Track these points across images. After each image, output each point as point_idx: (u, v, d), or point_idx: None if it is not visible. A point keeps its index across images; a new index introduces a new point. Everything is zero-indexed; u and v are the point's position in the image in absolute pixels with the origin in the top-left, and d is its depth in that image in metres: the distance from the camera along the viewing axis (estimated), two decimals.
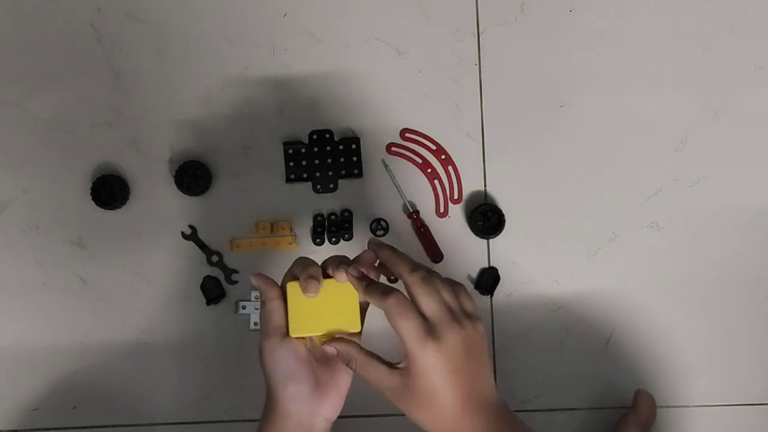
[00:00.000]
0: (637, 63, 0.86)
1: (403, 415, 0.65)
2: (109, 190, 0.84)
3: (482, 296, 0.84)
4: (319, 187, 0.85)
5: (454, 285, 0.66)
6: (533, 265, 0.85)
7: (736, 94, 0.85)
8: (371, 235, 0.84)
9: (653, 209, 0.85)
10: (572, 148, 0.85)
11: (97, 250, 0.85)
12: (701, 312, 0.84)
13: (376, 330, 0.71)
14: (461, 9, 0.86)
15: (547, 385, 0.84)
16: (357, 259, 0.68)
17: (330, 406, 0.67)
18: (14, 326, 0.85)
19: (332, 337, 0.67)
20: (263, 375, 0.68)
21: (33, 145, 0.86)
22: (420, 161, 0.85)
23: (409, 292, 0.63)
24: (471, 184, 0.85)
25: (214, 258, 0.85)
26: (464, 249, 0.85)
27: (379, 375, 0.64)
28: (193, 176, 0.84)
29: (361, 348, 0.66)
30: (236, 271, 0.85)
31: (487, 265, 0.85)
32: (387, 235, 0.84)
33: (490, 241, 0.85)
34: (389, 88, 0.86)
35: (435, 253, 0.84)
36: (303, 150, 0.85)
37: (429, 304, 0.62)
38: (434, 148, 0.85)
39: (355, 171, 0.85)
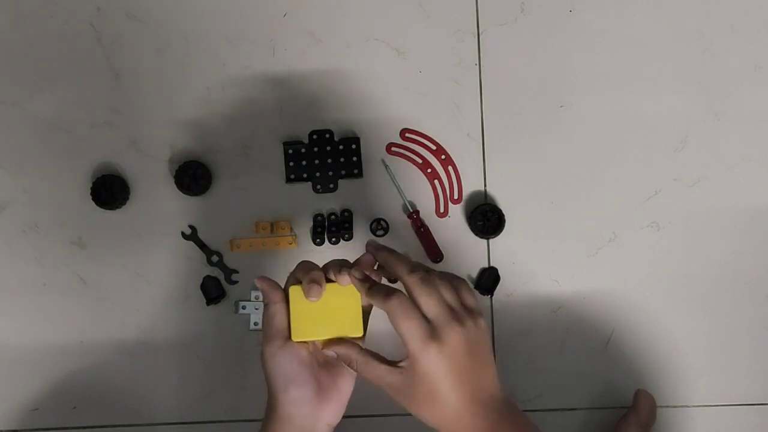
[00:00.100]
0: (637, 63, 0.86)
1: (404, 415, 0.64)
2: (109, 190, 0.84)
3: (482, 296, 0.84)
4: (319, 187, 0.85)
5: (453, 280, 0.65)
6: (533, 265, 0.85)
7: (736, 94, 0.85)
8: (371, 235, 0.84)
9: (653, 209, 0.85)
10: (572, 148, 0.85)
11: (97, 250, 0.85)
12: (701, 312, 0.84)
13: (377, 330, 0.71)
14: (461, 9, 0.86)
15: (547, 385, 0.84)
16: (356, 263, 0.68)
17: (331, 411, 0.67)
18: (14, 326, 0.85)
19: (333, 339, 0.67)
20: (264, 378, 0.68)
21: (33, 145, 0.86)
22: (420, 161, 0.85)
23: (409, 294, 0.63)
24: (471, 184, 0.85)
25: (214, 258, 0.85)
26: (464, 249, 0.85)
27: (380, 374, 0.64)
28: (193, 176, 0.84)
29: (361, 349, 0.66)
30: (236, 271, 0.85)
31: (487, 265, 0.85)
32: (387, 235, 0.84)
33: (490, 241, 0.85)
34: (389, 88, 0.86)
35: (435, 253, 0.84)
36: (303, 150, 0.85)
37: (429, 304, 0.62)
38: (434, 148, 0.85)
39: (355, 171, 0.85)
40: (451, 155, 0.85)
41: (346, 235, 0.84)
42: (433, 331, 0.61)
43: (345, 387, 0.68)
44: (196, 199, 0.85)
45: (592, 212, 0.85)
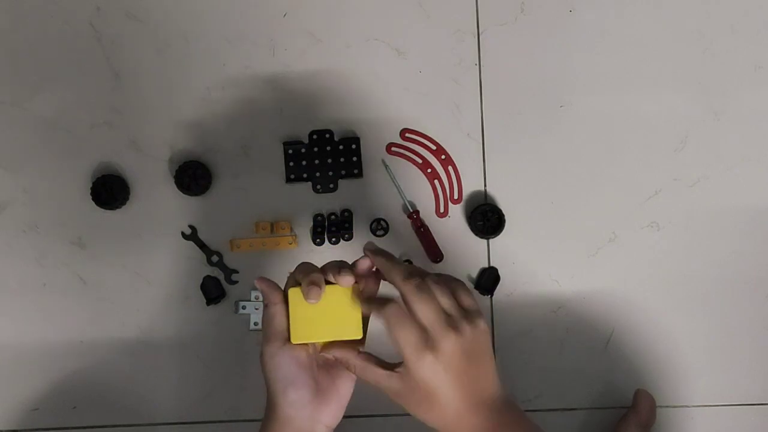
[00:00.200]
0: (637, 63, 0.86)
1: (404, 415, 0.64)
2: (109, 190, 0.84)
3: (482, 296, 0.84)
4: (319, 187, 0.85)
5: (450, 282, 0.65)
6: (533, 265, 0.85)
7: (736, 94, 0.85)
8: (371, 235, 0.84)
9: (653, 209, 0.85)
10: (572, 148, 0.85)
11: (97, 250, 0.85)
12: (701, 312, 0.84)
13: (378, 331, 0.71)
14: (461, 9, 0.86)
15: (547, 385, 0.84)
16: (354, 265, 0.68)
17: (330, 413, 0.67)
18: (14, 326, 0.85)
19: (332, 342, 0.67)
20: (264, 379, 0.68)
21: (33, 145, 0.86)
22: (420, 161, 0.85)
23: (404, 301, 0.63)
24: (471, 184, 0.85)
25: (214, 258, 0.85)
26: (464, 249, 0.85)
27: (378, 378, 0.64)
28: (193, 176, 0.84)
29: (360, 352, 0.66)
30: (236, 271, 0.85)
31: (487, 265, 0.85)
32: (387, 235, 0.84)
33: (490, 241, 0.85)
34: (389, 88, 0.86)
35: (435, 253, 0.84)
36: (303, 150, 0.85)
37: (424, 312, 0.61)
38: (434, 148, 0.85)
39: (355, 171, 0.85)
40: (451, 155, 0.85)
41: (346, 235, 0.84)
42: (428, 340, 0.61)
43: (344, 389, 0.68)
44: (196, 199, 0.85)
45: (592, 212, 0.85)
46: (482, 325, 0.63)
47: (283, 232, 0.85)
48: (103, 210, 0.85)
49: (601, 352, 0.84)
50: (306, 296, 0.65)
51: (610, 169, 0.85)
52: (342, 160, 0.85)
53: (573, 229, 0.85)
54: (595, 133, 0.85)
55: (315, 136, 0.85)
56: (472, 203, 0.85)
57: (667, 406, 0.83)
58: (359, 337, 0.66)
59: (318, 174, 0.85)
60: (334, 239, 0.84)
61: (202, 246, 0.85)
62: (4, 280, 0.85)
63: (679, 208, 0.85)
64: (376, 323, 0.68)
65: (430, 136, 0.85)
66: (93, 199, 0.84)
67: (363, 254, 0.68)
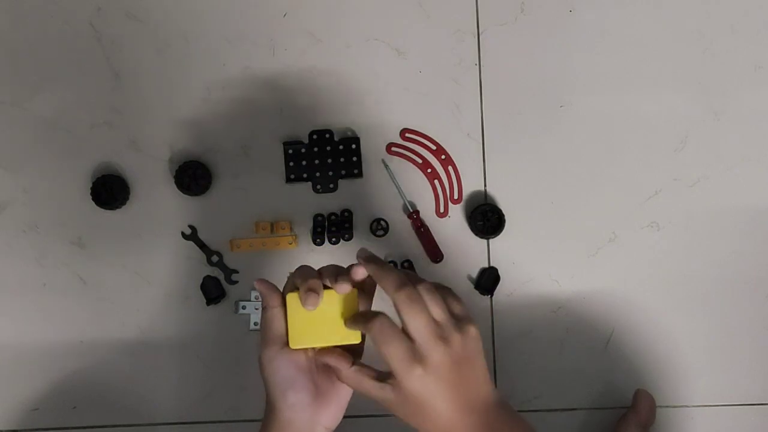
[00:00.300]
0: (637, 63, 0.86)
1: None
2: (109, 190, 0.84)
3: (482, 296, 0.84)
4: (319, 187, 0.85)
5: (440, 289, 0.64)
6: (533, 265, 0.85)
7: (736, 94, 0.85)
8: (371, 235, 0.84)
9: (653, 209, 0.85)
10: (572, 148, 0.85)
11: (97, 250, 0.85)
12: (701, 312, 0.84)
13: None
14: (461, 9, 0.86)
15: (547, 385, 0.84)
16: (348, 270, 0.67)
17: (330, 415, 0.67)
18: (14, 326, 0.85)
19: (327, 349, 0.67)
20: (263, 382, 0.67)
21: (33, 145, 0.86)
22: (420, 161, 0.85)
23: (396, 311, 0.63)
24: (471, 184, 0.85)
25: (214, 258, 0.85)
26: (464, 249, 0.85)
27: (370, 390, 0.64)
28: (193, 176, 0.84)
29: (353, 362, 0.65)
30: (236, 271, 0.85)
31: (487, 265, 0.85)
32: (387, 235, 0.84)
33: (490, 241, 0.85)
34: (389, 88, 0.86)
35: (435, 253, 0.84)
36: (303, 150, 0.85)
37: (414, 324, 0.61)
38: (434, 148, 0.85)
39: (355, 171, 0.85)
40: (451, 155, 0.85)
41: (346, 235, 0.84)
42: (416, 353, 0.61)
43: (344, 391, 0.68)
44: (196, 199, 0.85)
45: (592, 212, 0.85)
46: (472, 331, 0.63)
47: (283, 232, 0.85)
48: (103, 210, 0.85)
49: (601, 352, 0.84)
50: (304, 303, 0.64)
51: (610, 169, 0.85)
52: (342, 160, 0.85)
53: (573, 229, 0.85)
54: (595, 133, 0.85)
55: (315, 136, 0.85)
56: (472, 203, 0.85)
57: (667, 406, 0.83)
58: (358, 341, 0.66)
59: (318, 174, 0.85)
60: (334, 239, 0.84)
61: (202, 246, 0.85)
62: (4, 280, 0.85)
63: (679, 208, 0.85)
64: None
65: (430, 136, 0.85)
66: (93, 199, 0.84)
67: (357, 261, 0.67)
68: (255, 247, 0.85)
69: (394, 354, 0.61)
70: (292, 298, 0.66)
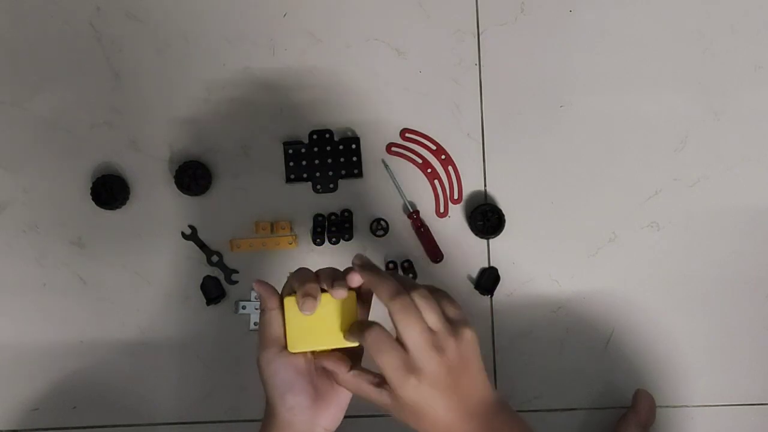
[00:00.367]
0: (637, 63, 0.86)
1: None
2: (109, 190, 0.84)
3: (482, 296, 0.84)
4: (319, 187, 0.85)
5: (435, 293, 0.64)
6: (533, 265, 0.85)
7: (736, 94, 0.85)
8: (371, 235, 0.84)
9: (653, 209, 0.85)
10: (572, 148, 0.85)
11: (97, 250, 0.85)
12: (701, 312, 0.84)
13: None
14: (461, 9, 0.86)
15: (547, 385, 0.84)
16: (345, 273, 0.66)
17: (329, 417, 0.66)
18: (14, 326, 0.85)
19: (325, 352, 0.67)
20: (262, 384, 0.67)
21: (33, 145, 0.86)
22: (420, 161, 0.85)
23: (391, 320, 0.63)
24: (471, 184, 0.85)
25: (214, 258, 0.85)
26: (464, 249, 0.85)
27: (367, 394, 0.64)
28: (193, 176, 0.84)
29: (351, 366, 0.65)
30: (236, 271, 0.85)
31: (487, 265, 0.85)
32: (387, 235, 0.84)
33: (490, 241, 0.85)
34: (389, 88, 0.86)
35: (435, 253, 0.84)
36: (303, 150, 0.85)
37: (409, 333, 0.61)
38: (434, 148, 0.85)
39: (355, 171, 0.85)
40: (451, 155, 0.85)
41: (346, 235, 0.84)
42: (410, 364, 0.60)
43: (344, 393, 0.67)
44: (196, 199, 0.85)
45: (592, 212, 0.85)
46: (468, 334, 0.63)
47: (283, 232, 0.85)
48: (103, 210, 0.85)
49: (601, 352, 0.84)
50: (301, 308, 0.64)
51: (610, 169, 0.85)
52: (342, 160, 0.85)
53: (573, 229, 0.85)
54: (595, 133, 0.85)
55: (315, 136, 0.85)
56: (472, 203, 0.85)
57: (667, 406, 0.83)
58: (356, 344, 0.66)
59: (318, 174, 0.85)
60: (334, 239, 0.84)
61: (202, 246, 0.85)
62: (4, 280, 0.85)
63: (679, 208, 0.85)
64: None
65: (430, 136, 0.85)
66: (93, 199, 0.84)
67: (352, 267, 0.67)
68: (255, 247, 0.85)
69: (389, 364, 0.61)
70: (289, 302, 0.65)
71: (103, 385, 0.85)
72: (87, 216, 0.85)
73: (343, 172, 0.85)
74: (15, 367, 0.85)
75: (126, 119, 0.86)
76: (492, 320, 0.85)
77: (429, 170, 0.85)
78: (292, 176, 0.85)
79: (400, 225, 0.85)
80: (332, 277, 0.65)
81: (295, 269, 0.67)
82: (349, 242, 0.84)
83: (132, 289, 0.85)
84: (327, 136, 0.85)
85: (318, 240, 0.84)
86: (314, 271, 0.67)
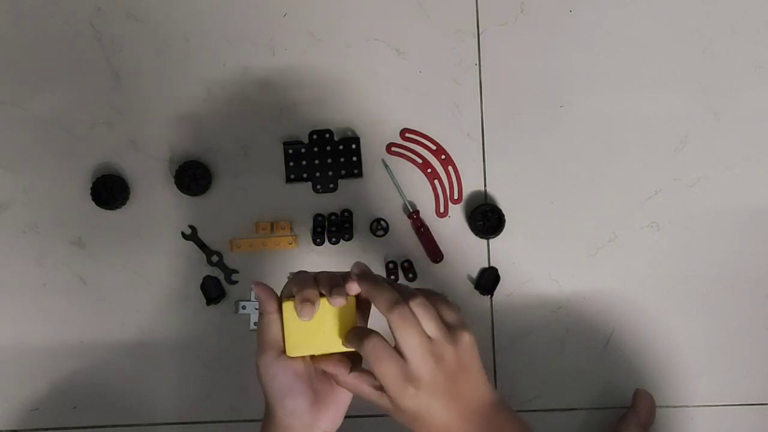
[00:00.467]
0: (637, 63, 0.86)
1: None
2: (109, 190, 0.84)
3: (482, 296, 0.84)
4: (319, 187, 0.85)
5: (433, 297, 0.64)
6: (533, 265, 0.85)
7: (736, 94, 0.85)
8: (371, 235, 0.84)
9: (653, 209, 0.85)
10: (572, 148, 0.85)
11: (97, 250, 0.85)
12: (701, 312, 0.84)
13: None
14: (461, 9, 0.86)
15: (547, 385, 0.84)
16: (345, 277, 0.66)
17: (329, 420, 0.66)
18: (14, 326, 0.85)
19: (325, 355, 0.66)
20: (261, 387, 0.67)
21: (33, 145, 0.86)
22: (420, 161, 0.85)
23: (389, 329, 0.62)
24: (471, 184, 0.85)
25: (214, 258, 0.85)
26: (464, 249, 0.85)
27: (368, 396, 0.64)
28: (193, 176, 0.84)
29: (351, 368, 0.65)
30: (236, 271, 0.85)
31: (487, 265, 0.85)
32: (387, 235, 0.84)
33: (490, 241, 0.85)
34: (389, 88, 0.86)
35: (435, 253, 0.84)
36: (303, 150, 0.85)
37: (406, 343, 0.61)
38: (434, 148, 0.85)
39: (355, 171, 0.85)
40: (451, 155, 0.85)
41: (346, 235, 0.84)
42: (408, 373, 0.60)
43: (343, 395, 0.67)
44: (196, 199, 0.85)
45: (592, 212, 0.85)
46: (466, 338, 0.62)
47: (283, 232, 0.85)
48: (103, 210, 0.85)
49: (601, 352, 0.84)
50: (299, 314, 0.63)
51: (610, 169, 0.85)
52: (342, 160, 0.85)
53: (573, 229, 0.85)
54: (595, 133, 0.85)
55: (315, 136, 0.85)
56: (472, 203, 0.85)
57: (667, 406, 0.83)
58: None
59: (318, 174, 0.85)
60: (334, 239, 0.84)
61: (202, 246, 0.85)
62: (4, 280, 0.85)
63: (679, 208, 0.85)
64: (375, 326, 0.68)
65: (430, 136, 0.85)
66: (93, 199, 0.84)
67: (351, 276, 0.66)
68: (255, 247, 0.85)
69: (387, 374, 0.61)
70: (288, 307, 0.65)
71: (103, 385, 0.85)
72: (87, 216, 0.85)
73: (343, 172, 0.85)
74: (15, 367, 0.85)
75: (126, 119, 0.86)
76: (492, 320, 0.85)
77: (429, 170, 0.85)
78: (292, 176, 0.85)
79: (400, 225, 0.85)
80: (331, 284, 0.65)
81: (295, 272, 0.67)
82: (349, 242, 0.84)
83: (132, 289, 0.85)
84: (327, 136, 0.85)
85: (318, 240, 0.84)
86: (313, 274, 0.67)
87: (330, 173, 0.85)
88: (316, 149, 0.85)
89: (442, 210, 0.85)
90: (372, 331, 0.62)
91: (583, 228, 0.85)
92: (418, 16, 0.86)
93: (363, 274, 0.65)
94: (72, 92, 0.86)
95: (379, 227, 0.84)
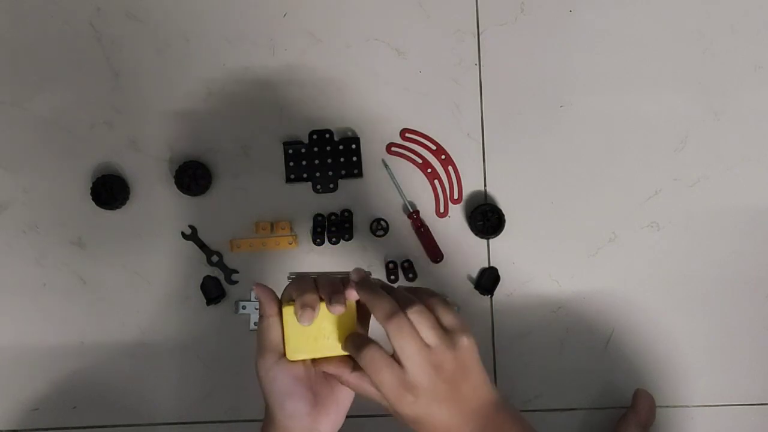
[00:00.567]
0: (637, 63, 0.86)
1: None
2: (109, 190, 0.84)
3: (482, 296, 0.84)
4: (319, 187, 0.85)
5: (431, 299, 0.64)
6: (533, 265, 0.85)
7: (736, 94, 0.85)
8: (371, 235, 0.84)
9: (653, 209, 0.85)
10: (572, 148, 0.85)
11: (97, 250, 0.85)
12: (701, 312, 0.84)
13: (378, 336, 0.71)
14: (461, 9, 0.86)
15: (547, 385, 0.84)
16: (342, 291, 0.66)
17: (329, 422, 0.66)
18: (14, 326, 0.85)
19: (326, 357, 0.66)
20: (261, 389, 0.67)
21: (33, 145, 0.86)
22: (420, 161, 0.85)
23: (387, 337, 0.62)
24: (471, 184, 0.85)
25: (214, 258, 0.85)
26: (464, 249, 0.85)
27: (371, 395, 0.64)
28: (193, 176, 0.84)
29: (353, 368, 0.65)
30: (236, 271, 0.85)
31: (487, 265, 0.85)
32: (387, 235, 0.84)
33: (490, 241, 0.85)
34: (389, 88, 0.86)
35: (435, 253, 0.84)
36: (303, 150, 0.85)
37: (405, 352, 0.61)
38: (434, 148, 0.85)
39: (355, 171, 0.85)
40: (451, 155, 0.85)
41: (346, 235, 0.84)
42: (406, 382, 0.60)
43: (343, 398, 0.67)
44: (196, 199, 0.85)
45: (592, 212, 0.85)
46: (465, 342, 0.62)
47: (283, 232, 0.85)
48: (103, 210, 0.85)
49: (601, 352, 0.84)
50: (299, 319, 0.63)
51: (610, 169, 0.85)
52: (342, 160, 0.85)
53: (573, 229, 0.85)
54: (595, 133, 0.85)
55: (315, 136, 0.85)
56: (472, 203, 0.85)
57: (667, 406, 0.83)
58: None
59: (318, 174, 0.85)
60: (334, 239, 0.84)
61: (202, 246, 0.85)
62: (4, 280, 0.85)
63: (679, 208, 0.85)
64: (376, 331, 0.68)
65: (430, 136, 0.85)
66: (93, 199, 0.84)
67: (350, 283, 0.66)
68: (255, 247, 0.85)
69: (385, 383, 0.61)
70: (288, 311, 0.65)
71: (103, 385, 0.85)
72: (87, 216, 0.85)
73: (343, 172, 0.85)
74: (15, 367, 0.85)
75: (126, 119, 0.86)
76: (492, 320, 0.85)
77: (429, 170, 0.85)
78: (292, 176, 0.85)
79: (400, 225, 0.85)
80: (331, 290, 0.65)
81: (295, 276, 0.67)
82: (349, 242, 0.84)
83: (132, 289, 0.85)
84: (327, 136, 0.85)
85: (318, 240, 0.84)
86: (313, 277, 0.67)
87: (330, 173, 0.85)
88: (316, 149, 0.85)
89: (442, 210, 0.85)
90: (370, 341, 0.62)
91: (583, 228, 0.85)
92: (418, 16, 0.86)
93: (361, 282, 0.65)
94: (72, 92, 0.86)
95: (379, 227, 0.84)
